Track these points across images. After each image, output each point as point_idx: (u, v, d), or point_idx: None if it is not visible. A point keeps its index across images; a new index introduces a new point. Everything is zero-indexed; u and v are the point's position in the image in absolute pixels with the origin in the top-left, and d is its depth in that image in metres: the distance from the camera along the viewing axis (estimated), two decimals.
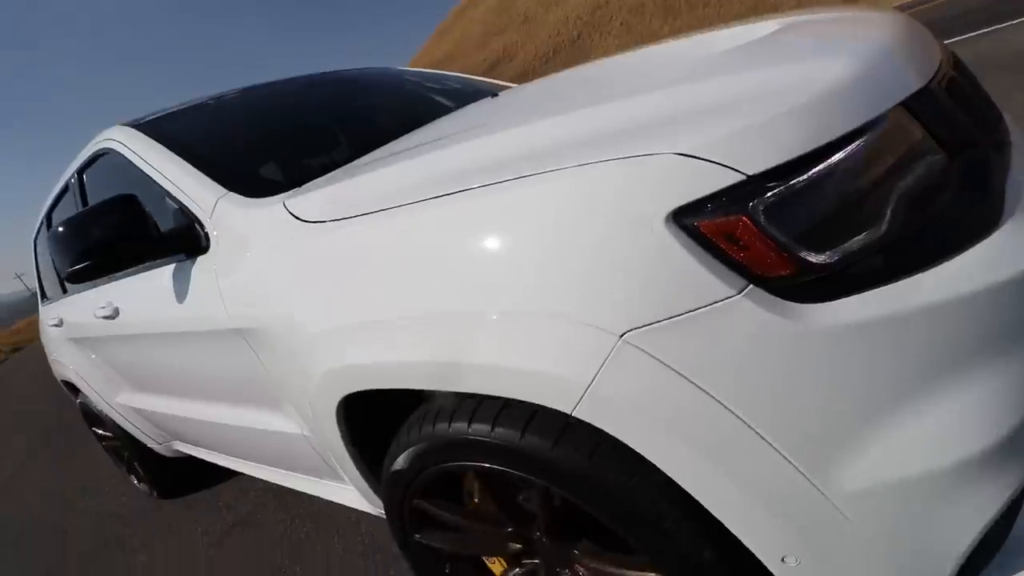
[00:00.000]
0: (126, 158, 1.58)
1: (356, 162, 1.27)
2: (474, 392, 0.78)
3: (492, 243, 0.72)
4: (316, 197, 1.06)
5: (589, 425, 0.69)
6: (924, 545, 0.61)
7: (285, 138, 1.68)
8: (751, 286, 0.59)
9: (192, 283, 1.31)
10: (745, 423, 0.61)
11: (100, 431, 3.00)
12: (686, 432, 0.63)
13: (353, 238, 0.91)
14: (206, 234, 1.27)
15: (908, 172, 0.63)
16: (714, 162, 0.59)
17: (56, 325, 2.50)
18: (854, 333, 0.58)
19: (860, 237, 0.60)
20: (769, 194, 0.58)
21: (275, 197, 1.17)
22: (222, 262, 1.21)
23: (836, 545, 0.63)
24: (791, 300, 0.59)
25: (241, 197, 1.23)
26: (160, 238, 1.29)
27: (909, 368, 0.59)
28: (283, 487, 1.74)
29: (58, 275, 2.56)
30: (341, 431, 1.09)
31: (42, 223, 2.65)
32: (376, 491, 1.20)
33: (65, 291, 2.52)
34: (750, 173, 0.58)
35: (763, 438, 0.61)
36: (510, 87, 2.08)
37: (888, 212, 0.60)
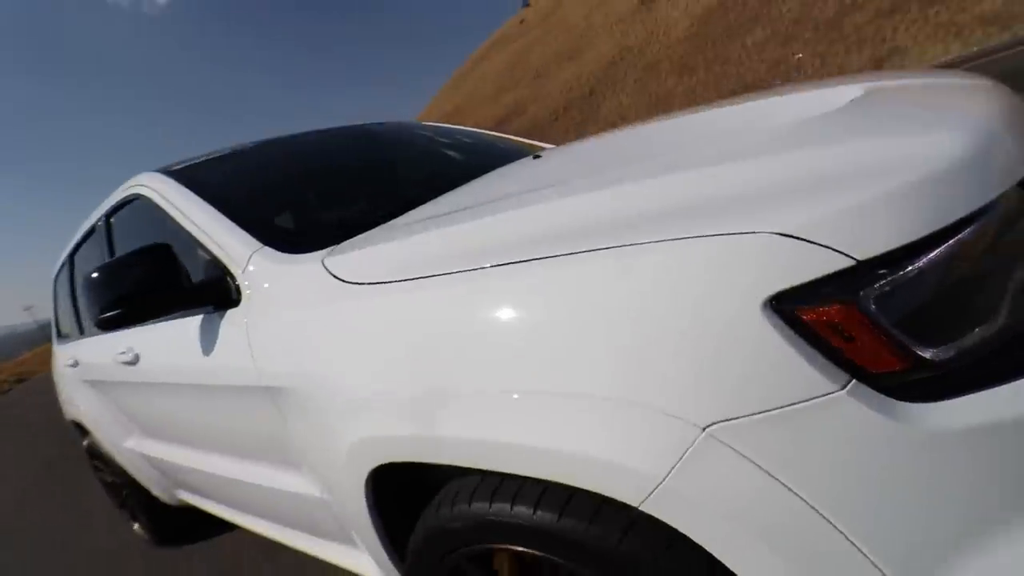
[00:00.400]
0: (157, 205, 1.57)
1: (398, 220, 1.24)
2: (528, 476, 0.71)
3: (558, 319, 0.66)
4: (357, 257, 1.02)
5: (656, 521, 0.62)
6: None
7: (320, 192, 1.68)
8: (854, 382, 0.53)
9: (220, 336, 1.27)
10: (839, 531, 0.54)
11: (105, 474, 2.92)
12: (771, 538, 0.57)
13: (401, 304, 0.86)
14: (237, 287, 1.24)
15: None
16: (820, 244, 0.54)
17: (71, 365, 2.46)
18: (967, 438, 0.52)
19: (977, 331, 0.54)
20: (881, 282, 0.53)
21: (313, 254, 1.13)
22: (254, 318, 1.17)
23: None
24: (897, 399, 0.53)
25: (276, 252, 1.20)
26: (192, 289, 1.26)
27: None
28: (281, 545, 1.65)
29: (76, 315, 2.54)
30: (368, 501, 1.01)
31: (64, 264, 2.64)
32: (395, 562, 1.12)
33: (82, 332, 2.49)
34: (861, 258, 0.53)
35: (858, 548, 0.54)
36: (544, 147, 2.09)
37: (1007, 303, 0.55)
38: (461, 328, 0.77)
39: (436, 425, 0.79)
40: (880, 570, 0.54)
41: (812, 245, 0.54)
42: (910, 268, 0.53)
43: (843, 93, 0.92)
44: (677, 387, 0.58)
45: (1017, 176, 0.61)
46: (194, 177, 1.59)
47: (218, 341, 1.28)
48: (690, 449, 0.57)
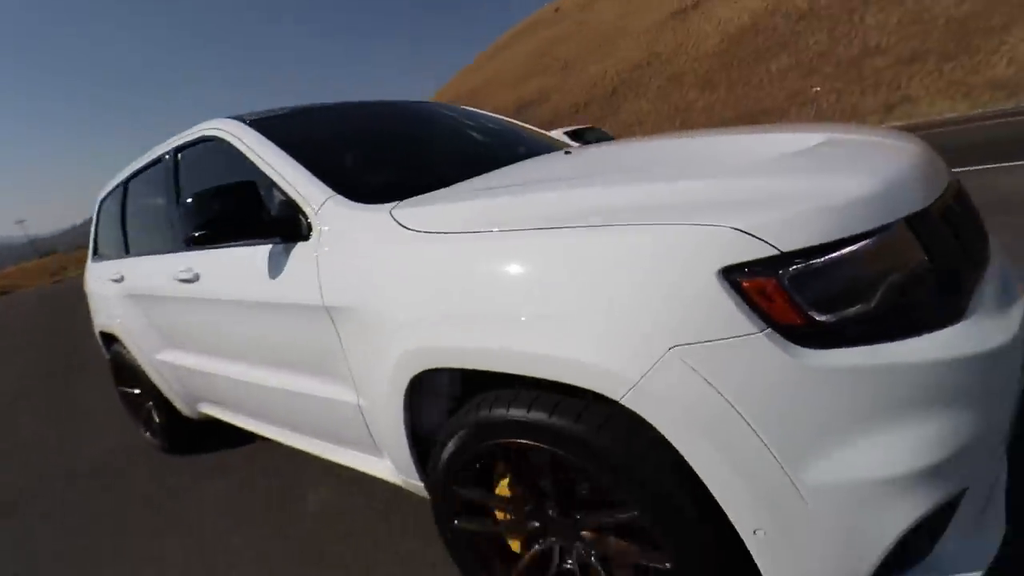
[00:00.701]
0: (235, 148, 1.81)
1: (455, 187, 1.51)
2: (543, 377, 0.99)
3: (582, 268, 0.94)
4: (423, 212, 1.29)
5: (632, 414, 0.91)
6: (860, 533, 0.83)
7: (381, 154, 1.94)
8: (769, 329, 0.82)
9: (289, 264, 1.53)
10: (749, 424, 0.83)
11: (125, 382, 3.15)
12: (703, 425, 0.85)
13: (456, 250, 1.14)
14: (309, 225, 1.50)
15: (899, 269, 0.86)
16: (759, 238, 0.83)
17: (116, 280, 2.70)
18: (838, 374, 0.81)
19: (855, 308, 0.83)
20: (794, 267, 0.82)
21: (381, 205, 1.40)
22: (325, 251, 1.44)
23: (795, 523, 0.84)
24: (797, 344, 0.82)
25: (348, 200, 1.47)
26: (270, 221, 1.52)
27: (872, 405, 0.81)
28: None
29: (124, 235, 2.78)
30: (404, 405, 1.30)
31: (118, 187, 2.87)
32: (414, 460, 1.40)
33: (128, 251, 2.74)
34: (784, 250, 0.82)
35: (759, 437, 0.83)
36: (572, 144, 2.37)
37: (878, 294, 0.84)
38: (501, 269, 1.05)
39: (476, 339, 1.07)
40: (774, 455, 0.83)
41: (754, 238, 0.83)
42: (815, 261, 0.82)
43: (811, 138, 1.23)
44: (655, 318, 0.87)
45: (903, 213, 0.89)
46: (270, 127, 1.84)
47: (286, 268, 1.54)
48: (658, 361, 0.86)
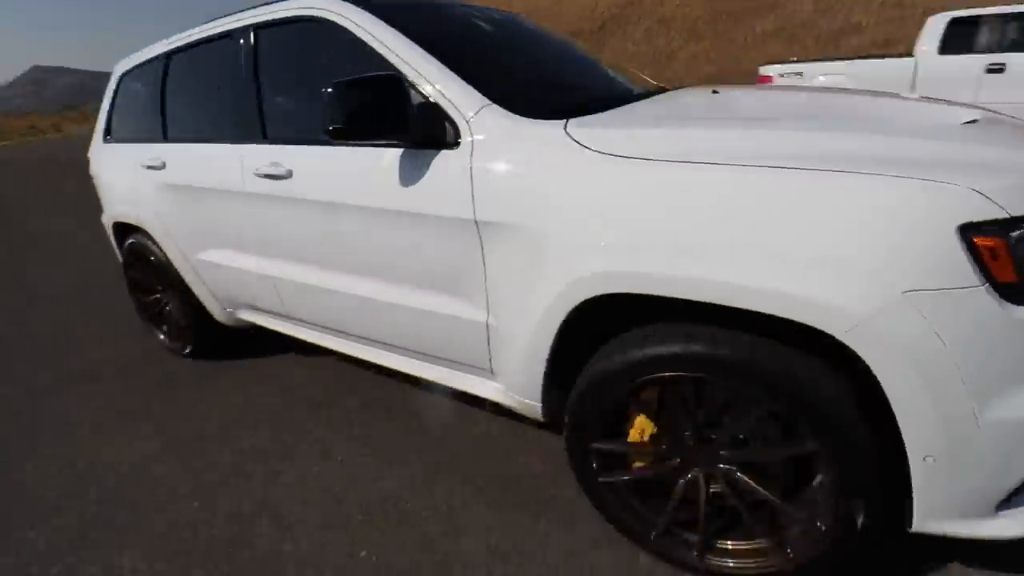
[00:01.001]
0: (352, 36, 1.68)
1: (620, 111, 1.49)
2: (758, 310, 1.06)
3: (817, 209, 1.00)
4: (609, 134, 1.28)
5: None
6: (1008, 463, 1.00)
7: (521, 64, 1.88)
8: (988, 284, 0.94)
9: (430, 173, 1.49)
10: (955, 364, 0.96)
11: (142, 280, 2.98)
12: (917, 362, 0.97)
13: (668, 177, 1.15)
14: (457, 132, 1.45)
15: None
16: (994, 201, 0.93)
17: (154, 167, 2.48)
18: None
19: None
20: (1018, 230, 0.94)
21: (552, 122, 1.36)
22: (480, 163, 1.40)
23: (963, 452, 1.00)
24: (1006, 299, 0.95)
25: (508, 112, 1.42)
26: (415, 122, 1.45)
27: None
28: None
29: (163, 118, 2.55)
30: (559, 329, 1.33)
31: (156, 60, 2.58)
32: (544, 384, 1.45)
33: (166, 136, 2.52)
34: (1014, 214, 0.93)
35: (960, 375, 0.96)
36: (684, 87, 2.38)
37: None
38: (724, 203, 1.08)
39: (685, 268, 1.11)
40: (967, 392, 0.96)
41: (990, 200, 0.93)
42: None
43: (964, 113, 1.34)
44: (889, 263, 0.96)
45: None
46: (395, 17, 1.69)
47: (426, 176, 1.50)
48: (890, 303, 0.96)
